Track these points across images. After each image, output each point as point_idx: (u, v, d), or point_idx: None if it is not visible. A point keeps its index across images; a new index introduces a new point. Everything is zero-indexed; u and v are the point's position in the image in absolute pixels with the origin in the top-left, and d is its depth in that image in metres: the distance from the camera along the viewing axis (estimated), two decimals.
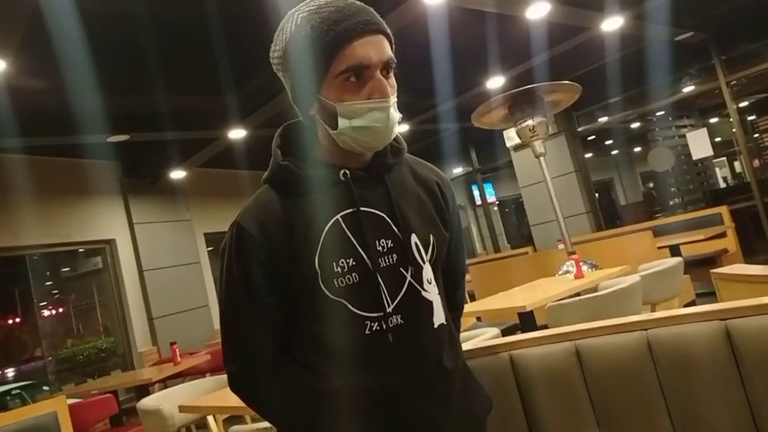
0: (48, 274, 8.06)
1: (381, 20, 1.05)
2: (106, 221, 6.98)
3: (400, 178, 1.15)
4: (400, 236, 1.08)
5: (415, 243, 1.09)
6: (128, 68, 4.43)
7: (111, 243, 7.05)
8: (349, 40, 1.00)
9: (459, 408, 1.11)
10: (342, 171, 1.08)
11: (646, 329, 1.27)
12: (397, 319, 1.05)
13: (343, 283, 1.03)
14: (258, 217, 1.06)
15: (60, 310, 8.64)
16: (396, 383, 1.04)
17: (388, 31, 1.06)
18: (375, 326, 1.04)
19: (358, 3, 1.05)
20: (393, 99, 1.04)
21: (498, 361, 1.38)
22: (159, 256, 7.30)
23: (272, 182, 1.12)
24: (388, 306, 1.05)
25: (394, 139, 1.13)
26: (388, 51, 1.04)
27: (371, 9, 1.05)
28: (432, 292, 1.10)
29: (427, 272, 1.10)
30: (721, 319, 1.20)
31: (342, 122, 1.02)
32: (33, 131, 5.15)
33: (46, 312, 8.49)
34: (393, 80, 1.05)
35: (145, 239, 7.21)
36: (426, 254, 1.10)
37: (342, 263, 1.03)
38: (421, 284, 1.09)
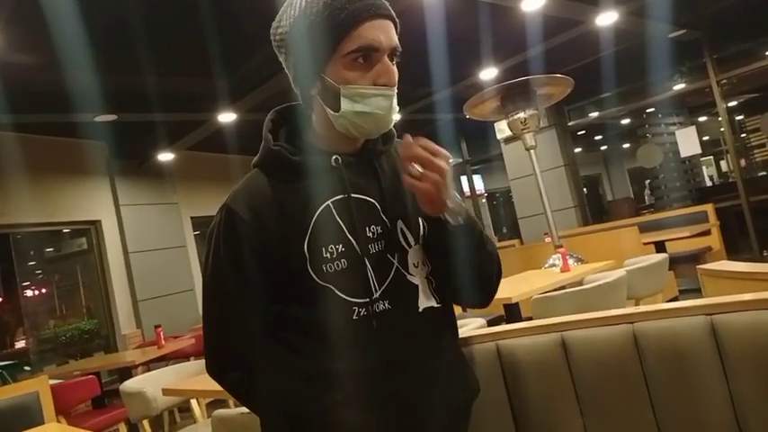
0: (32, 253, 7.97)
1: (390, 7, 1.06)
2: (92, 202, 6.91)
3: (391, 165, 1.15)
4: (388, 223, 1.08)
5: (401, 229, 1.10)
6: (118, 47, 4.36)
7: (96, 224, 6.98)
8: (361, 21, 1.00)
9: (444, 392, 1.11)
10: (333, 157, 1.08)
11: (632, 322, 1.27)
12: (384, 305, 1.05)
13: (331, 268, 1.03)
14: (248, 200, 1.06)
15: (44, 290, 8.56)
16: (381, 366, 1.04)
17: (397, 19, 1.06)
18: (362, 311, 1.04)
19: None
20: (395, 91, 1.04)
21: (485, 350, 1.38)
22: (145, 239, 7.25)
23: (262, 166, 1.11)
24: (375, 292, 1.05)
25: None
26: (396, 39, 1.04)
27: None
28: (417, 276, 1.10)
29: (413, 255, 1.11)
30: (707, 314, 1.21)
31: (345, 105, 1.02)
32: (21, 108, 5.07)
33: (29, 293, 8.41)
34: (395, 68, 1.05)
35: (131, 221, 7.15)
36: (412, 238, 1.11)
37: (331, 248, 1.03)
38: (407, 269, 1.09)
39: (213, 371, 1.14)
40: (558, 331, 1.34)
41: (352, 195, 1.07)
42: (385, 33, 1.02)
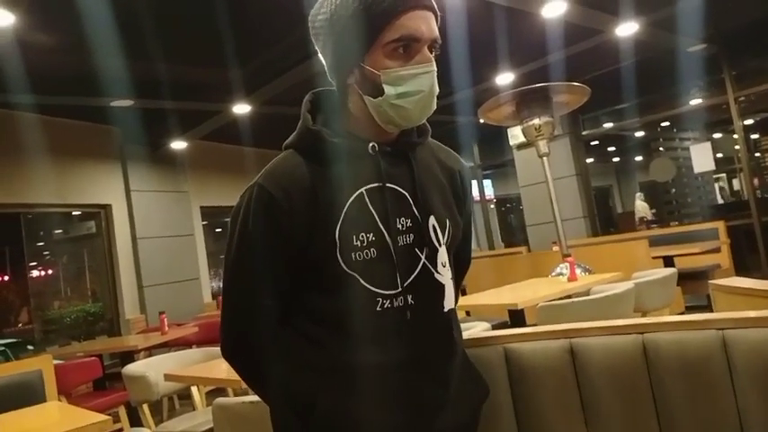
0: (41, 234, 8.02)
1: None
2: (103, 186, 6.94)
3: (424, 160, 1.15)
4: (419, 216, 1.07)
5: (433, 225, 1.09)
6: (138, 33, 4.37)
7: (106, 208, 7.01)
8: (405, 11, 1.00)
9: (459, 391, 1.11)
10: (371, 144, 1.07)
11: (643, 333, 1.27)
12: (408, 299, 1.04)
13: (360, 257, 1.02)
14: (281, 181, 1.04)
15: (50, 271, 8.61)
16: (400, 362, 1.03)
17: (438, 11, 1.05)
18: (387, 303, 1.03)
19: None
20: (435, 68, 1.03)
21: (492, 353, 1.38)
22: (154, 225, 7.28)
23: (297, 146, 1.09)
24: (401, 285, 1.04)
25: None
26: (436, 30, 1.04)
27: None
28: (445, 276, 1.10)
29: (442, 255, 1.10)
30: (719, 329, 1.20)
31: (387, 89, 1.01)
32: (38, 89, 5.09)
33: (35, 273, 8.47)
34: (434, 60, 1.05)
35: (141, 207, 7.18)
36: (443, 237, 1.10)
37: (362, 237, 1.02)
38: (435, 267, 1.09)
39: (227, 351, 1.13)
40: (567, 338, 1.34)
41: (387, 185, 1.06)
42: (426, 24, 1.02)
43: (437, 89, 1.04)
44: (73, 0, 3.68)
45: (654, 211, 11.32)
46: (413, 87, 1.01)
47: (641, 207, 11.19)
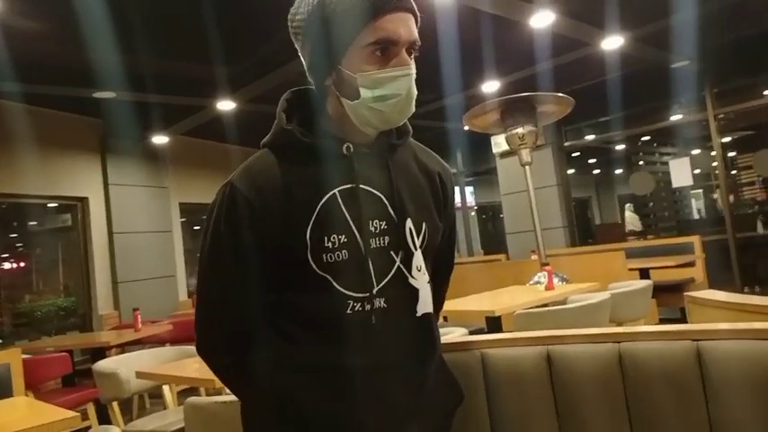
0: (15, 225, 7.85)
1: (413, 0, 1.04)
2: (81, 179, 6.82)
3: (403, 161, 1.13)
4: (395, 219, 1.06)
5: (410, 228, 1.08)
6: (124, 24, 4.31)
7: (83, 201, 6.89)
8: (383, 13, 0.98)
9: (432, 396, 1.10)
10: (345, 145, 1.06)
11: (619, 342, 1.27)
12: (380, 303, 1.03)
13: (331, 258, 1.01)
14: (255, 180, 1.04)
15: (22, 264, 8.43)
16: (372, 366, 1.02)
17: (418, 13, 1.04)
18: (357, 306, 1.02)
19: None
20: (414, 70, 1.02)
21: (470, 357, 1.37)
22: (131, 220, 7.17)
23: (272, 146, 1.09)
24: (373, 288, 1.03)
25: None
26: (416, 32, 1.02)
27: None
28: (420, 280, 1.09)
29: (418, 259, 1.09)
30: (694, 340, 1.21)
31: (363, 93, 1.00)
32: (18, 77, 4.99)
33: (7, 265, 8.28)
34: (413, 62, 1.04)
35: (119, 201, 7.07)
36: (419, 240, 1.09)
37: (333, 238, 1.01)
38: (410, 271, 1.07)
39: (202, 348, 1.11)
40: (545, 344, 1.34)
41: (360, 186, 1.05)
42: (405, 27, 1.00)
43: (415, 92, 1.03)
44: None
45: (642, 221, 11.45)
46: (390, 90, 1.00)
47: (631, 218, 11.29)
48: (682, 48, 6.19)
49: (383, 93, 1.00)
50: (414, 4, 1.04)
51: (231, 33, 4.71)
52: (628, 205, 11.74)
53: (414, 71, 1.02)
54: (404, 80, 1.01)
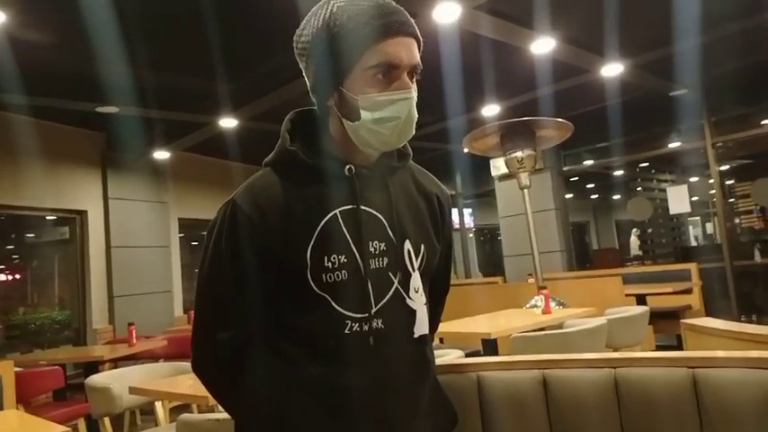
0: (12, 236, 7.84)
1: (416, 25, 1.06)
2: (81, 192, 6.83)
3: (402, 183, 1.15)
4: (395, 240, 1.07)
5: (408, 250, 1.09)
6: (128, 41, 4.36)
7: (82, 214, 6.89)
8: (384, 37, 1.00)
9: (425, 419, 1.10)
10: (347, 166, 1.07)
11: (615, 368, 1.27)
12: (377, 324, 1.04)
13: (331, 278, 1.02)
14: (257, 198, 1.04)
15: (17, 276, 8.39)
16: (368, 386, 1.02)
17: (420, 37, 1.06)
18: (355, 326, 1.03)
19: (395, 4, 1.05)
20: (415, 94, 1.03)
21: (465, 380, 1.37)
22: (129, 235, 7.16)
23: (275, 165, 1.10)
24: (372, 309, 1.04)
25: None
26: (418, 57, 1.04)
27: (407, 13, 1.06)
28: (417, 302, 1.09)
29: (415, 280, 1.09)
30: (690, 367, 1.21)
31: (364, 114, 1.02)
32: (22, 90, 5.02)
33: (2, 276, 8.24)
34: (415, 86, 1.05)
35: (118, 215, 7.07)
36: (417, 262, 1.10)
37: (333, 258, 1.02)
38: (407, 292, 1.08)
39: (199, 367, 1.11)
40: (540, 368, 1.34)
41: (361, 207, 1.06)
42: (407, 51, 1.02)
43: (415, 115, 1.04)
44: (64, 3, 3.66)
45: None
46: (389, 113, 1.01)
47: (636, 244, 11.32)
48: (680, 76, 6.26)
49: (383, 115, 1.01)
50: (416, 29, 1.05)
51: (235, 51, 4.76)
52: (634, 230, 11.75)
53: (414, 95, 1.03)
54: (403, 104, 1.02)
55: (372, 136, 1.03)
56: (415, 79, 1.05)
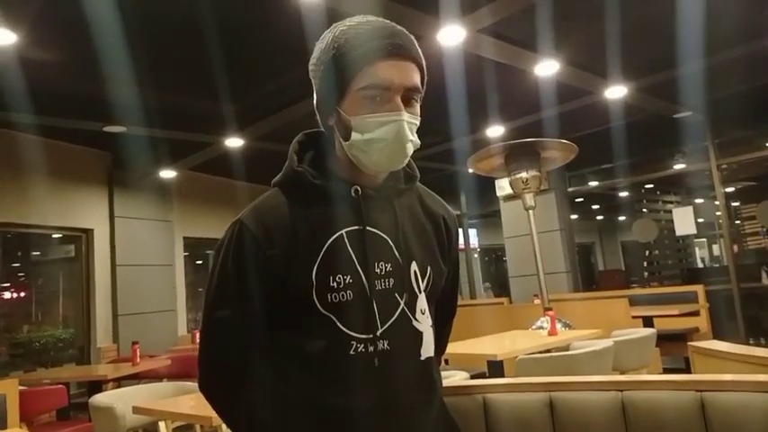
0: (18, 254, 7.87)
1: (418, 49, 1.07)
2: (87, 211, 6.87)
3: (409, 205, 1.16)
4: (401, 261, 1.07)
5: (414, 271, 1.09)
6: (135, 61, 4.42)
7: (88, 233, 6.92)
8: (378, 59, 1.01)
9: None
10: (354, 187, 1.08)
11: (622, 390, 1.26)
12: (383, 345, 1.03)
13: (336, 298, 1.02)
14: (264, 219, 1.06)
15: (22, 294, 8.40)
16: (373, 408, 1.02)
17: (421, 61, 1.07)
18: (361, 347, 1.02)
19: (399, 28, 1.07)
20: (408, 117, 1.03)
21: (471, 402, 1.36)
22: (135, 253, 7.18)
23: (282, 186, 1.11)
24: (377, 330, 1.04)
25: (407, 166, 1.14)
26: (414, 80, 1.04)
27: (412, 37, 1.07)
28: (423, 324, 1.09)
29: (422, 302, 1.10)
30: (697, 390, 1.20)
31: (354, 135, 1.03)
32: (30, 109, 5.09)
33: (7, 295, 8.25)
34: (417, 109, 1.06)
35: (123, 234, 7.09)
36: (423, 284, 1.10)
37: (339, 278, 1.02)
38: (414, 313, 1.08)
39: (205, 387, 1.12)
40: (547, 391, 1.33)
41: (368, 228, 1.07)
42: (399, 73, 1.02)
43: (408, 138, 1.03)
44: (74, 24, 3.72)
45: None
46: (377, 135, 1.02)
47: None
48: (684, 99, 6.29)
49: (372, 137, 1.02)
50: (416, 52, 1.06)
51: (241, 72, 4.82)
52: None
53: (405, 117, 1.02)
54: (391, 126, 1.02)
55: (363, 156, 1.05)
56: (415, 103, 1.05)
